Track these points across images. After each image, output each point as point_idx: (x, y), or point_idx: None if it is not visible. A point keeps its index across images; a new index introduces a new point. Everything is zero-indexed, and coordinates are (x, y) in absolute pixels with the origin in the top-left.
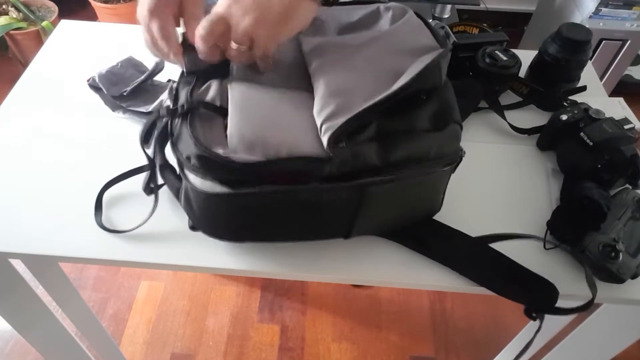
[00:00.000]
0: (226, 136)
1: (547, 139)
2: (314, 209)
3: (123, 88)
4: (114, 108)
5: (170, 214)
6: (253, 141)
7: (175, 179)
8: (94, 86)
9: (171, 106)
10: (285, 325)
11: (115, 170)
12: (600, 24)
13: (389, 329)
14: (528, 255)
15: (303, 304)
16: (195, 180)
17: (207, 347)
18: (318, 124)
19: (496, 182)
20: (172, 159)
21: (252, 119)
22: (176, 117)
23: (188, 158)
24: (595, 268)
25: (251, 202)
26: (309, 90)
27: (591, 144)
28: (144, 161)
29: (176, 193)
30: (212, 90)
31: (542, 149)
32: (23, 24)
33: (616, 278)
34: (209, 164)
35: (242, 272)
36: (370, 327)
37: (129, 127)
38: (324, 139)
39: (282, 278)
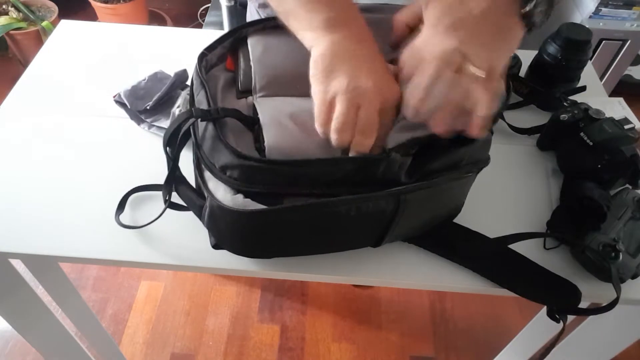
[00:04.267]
0: (256, 148)
1: (547, 139)
2: (351, 220)
3: (148, 102)
4: (139, 122)
5: (170, 214)
6: (294, 154)
7: (197, 197)
8: (119, 102)
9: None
10: (285, 325)
11: (115, 170)
12: (600, 24)
13: (389, 329)
14: (528, 255)
15: (303, 304)
16: (225, 197)
17: (207, 347)
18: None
19: (496, 182)
20: (188, 176)
21: (290, 131)
22: (205, 121)
23: (223, 169)
24: (595, 268)
25: (287, 218)
26: None
27: (591, 144)
28: (144, 161)
29: (198, 212)
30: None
31: (542, 149)
32: (23, 24)
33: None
34: (250, 173)
35: (245, 273)
36: (370, 327)
37: (129, 128)
38: (397, 138)
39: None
